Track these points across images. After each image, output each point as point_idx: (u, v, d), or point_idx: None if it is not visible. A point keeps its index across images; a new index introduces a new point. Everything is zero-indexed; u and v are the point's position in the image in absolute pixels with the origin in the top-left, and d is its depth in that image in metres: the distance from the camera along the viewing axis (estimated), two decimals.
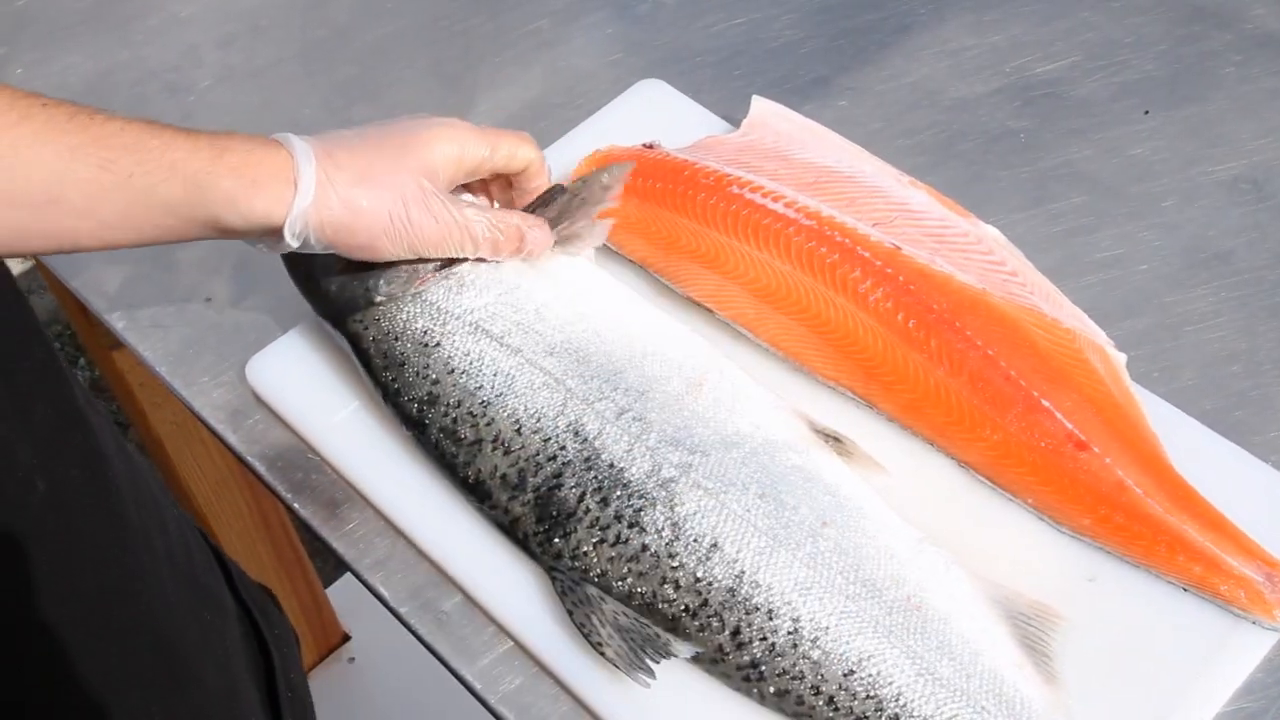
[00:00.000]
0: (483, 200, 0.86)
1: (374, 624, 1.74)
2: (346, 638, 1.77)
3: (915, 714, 0.69)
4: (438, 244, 0.78)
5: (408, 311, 0.82)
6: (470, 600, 0.81)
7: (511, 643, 0.79)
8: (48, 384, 0.71)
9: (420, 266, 0.82)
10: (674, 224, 0.91)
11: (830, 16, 1.13)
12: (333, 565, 1.79)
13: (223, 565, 0.91)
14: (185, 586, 0.83)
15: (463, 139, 0.79)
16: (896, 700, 0.69)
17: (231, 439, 0.89)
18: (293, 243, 0.74)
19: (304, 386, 0.87)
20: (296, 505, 0.86)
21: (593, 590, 0.74)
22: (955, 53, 1.08)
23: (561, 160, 0.99)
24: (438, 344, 0.81)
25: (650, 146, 0.96)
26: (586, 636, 0.73)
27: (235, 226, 0.73)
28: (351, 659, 1.76)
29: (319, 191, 0.73)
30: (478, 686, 0.77)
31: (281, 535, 1.60)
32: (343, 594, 1.75)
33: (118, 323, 0.96)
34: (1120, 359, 0.83)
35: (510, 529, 0.79)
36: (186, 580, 0.83)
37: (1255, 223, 0.94)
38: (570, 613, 0.74)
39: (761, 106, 0.98)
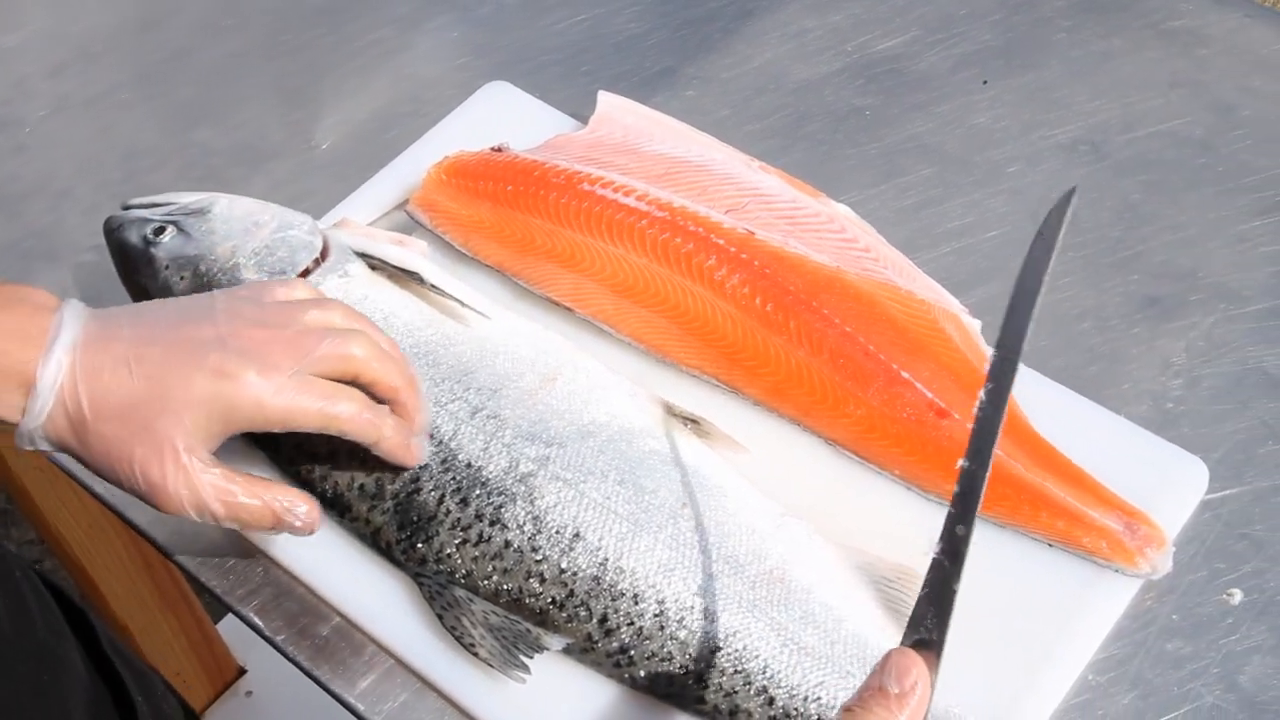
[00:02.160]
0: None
1: (267, 656, 1.71)
2: (242, 671, 1.74)
3: (782, 684, 0.70)
4: (168, 507, 0.70)
5: None
6: (348, 621, 0.79)
7: (392, 660, 0.78)
8: None
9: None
10: (527, 225, 0.91)
11: (673, 7, 1.14)
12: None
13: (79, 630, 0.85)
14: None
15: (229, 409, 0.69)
16: (764, 672, 0.70)
17: (91, 480, 0.85)
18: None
19: None
20: (158, 538, 0.84)
21: (460, 592, 0.74)
22: (798, 35, 1.09)
23: (410, 170, 0.97)
24: None
25: (499, 150, 0.94)
26: (459, 639, 0.72)
27: None
28: (249, 692, 1.73)
29: (53, 414, 0.67)
30: (361, 709, 0.76)
31: (164, 574, 1.57)
32: (234, 628, 1.72)
33: None
34: (975, 325, 0.84)
35: (373, 540, 0.78)
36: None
37: (1095, 183, 0.97)
38: (440, 617, 0.74)
39: (608, 101, 0.97)
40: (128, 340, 0.68)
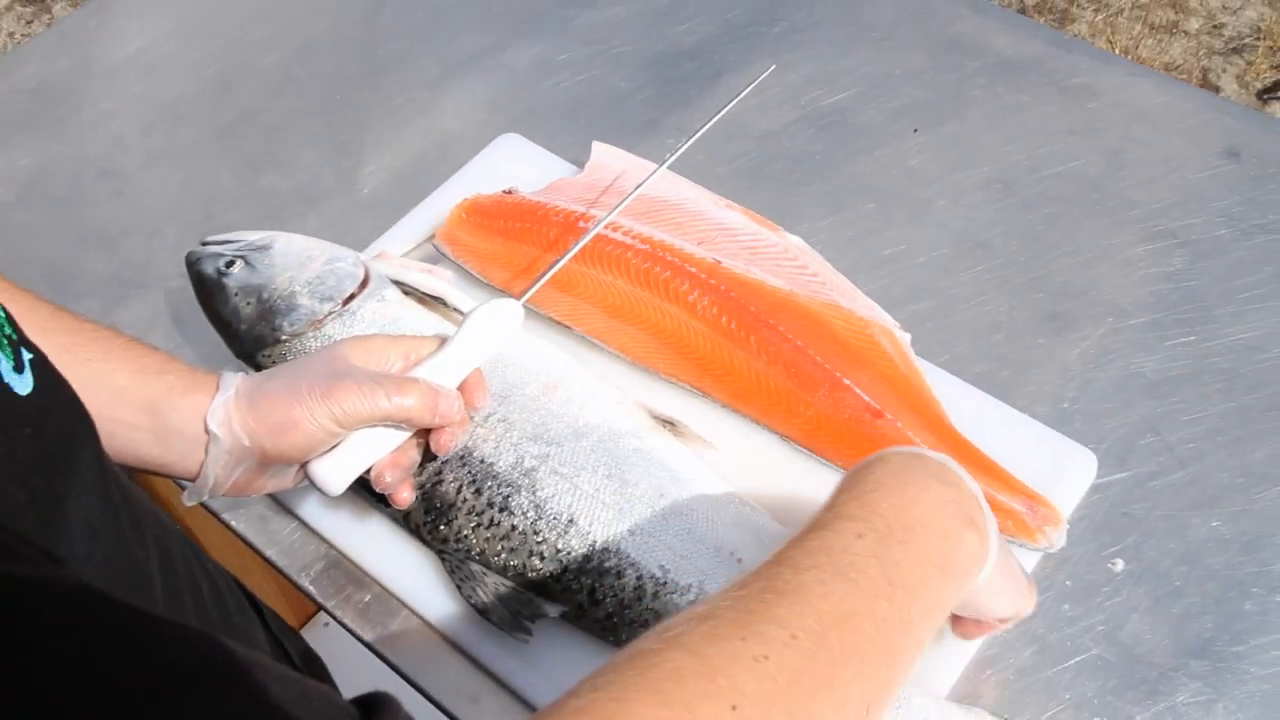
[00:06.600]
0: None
1: None
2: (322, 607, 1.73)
3: None
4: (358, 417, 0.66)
5: (308, 345, 0.78)
6: (385, 589, 0.78)
7: (419, 621, 0.76)
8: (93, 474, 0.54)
9: (319, 306, 0.78)
10: (533, 256, 0.87)
11: (657, 69, 1.10)
12: None
13: (257, 610, 0.76)
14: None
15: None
16: None
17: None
18: (217, 430, 0.65)
19: None
20: (231, 521, 0.83)
21: (475, 567, 0.72)
22: (760, 91, 1.03)
23: (437, 209, 0.94)
24: None
25: (509, 192, 0.91)
26: (474, 606, 0.71)
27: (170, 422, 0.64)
28: (326, 623, 1.73)
29: (238, 391, 0.66)
30: (394, 659, 0.75)
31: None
32: None
33: None
34: (905, 338, 0.81)
35: (405, 521, 0.76)
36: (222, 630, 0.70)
37: (1007, 215, 0.94)
38: (459, 587, 0.72)
39: (601, 150, 0.94)
40: (264, 375, 0.67)
